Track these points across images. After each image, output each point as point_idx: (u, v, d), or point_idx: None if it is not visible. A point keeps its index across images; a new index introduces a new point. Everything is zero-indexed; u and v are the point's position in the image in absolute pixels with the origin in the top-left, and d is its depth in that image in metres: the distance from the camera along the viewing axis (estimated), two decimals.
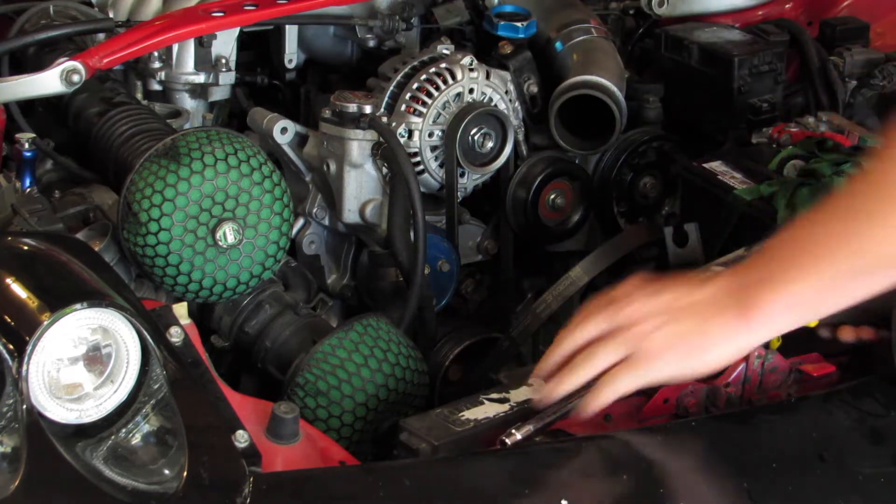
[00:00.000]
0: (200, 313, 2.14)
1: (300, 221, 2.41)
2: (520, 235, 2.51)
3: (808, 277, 1.57)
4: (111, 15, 2.61)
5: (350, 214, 2.33)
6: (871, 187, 1.59)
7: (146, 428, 1.65)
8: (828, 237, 1.57)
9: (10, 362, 1.56)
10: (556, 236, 2.55)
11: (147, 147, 2.04)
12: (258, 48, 2.66)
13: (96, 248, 1.96)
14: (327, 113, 2.32)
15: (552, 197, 2.50)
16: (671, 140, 2.62)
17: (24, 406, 1.56)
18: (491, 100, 2.38)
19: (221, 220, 1.98)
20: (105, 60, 2.24)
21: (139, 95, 2.51)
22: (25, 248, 1.75)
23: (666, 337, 1.62)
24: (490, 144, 2.36)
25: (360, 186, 2.32)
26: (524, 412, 1.80)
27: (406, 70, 2.36)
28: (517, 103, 2.44)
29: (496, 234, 2.52)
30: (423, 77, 2.33)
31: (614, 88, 2.43)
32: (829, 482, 1.70)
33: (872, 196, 1.57)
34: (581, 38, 2.53)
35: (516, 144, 2.43)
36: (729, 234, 2.34)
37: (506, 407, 1.82)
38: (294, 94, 2.68)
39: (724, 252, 2.36)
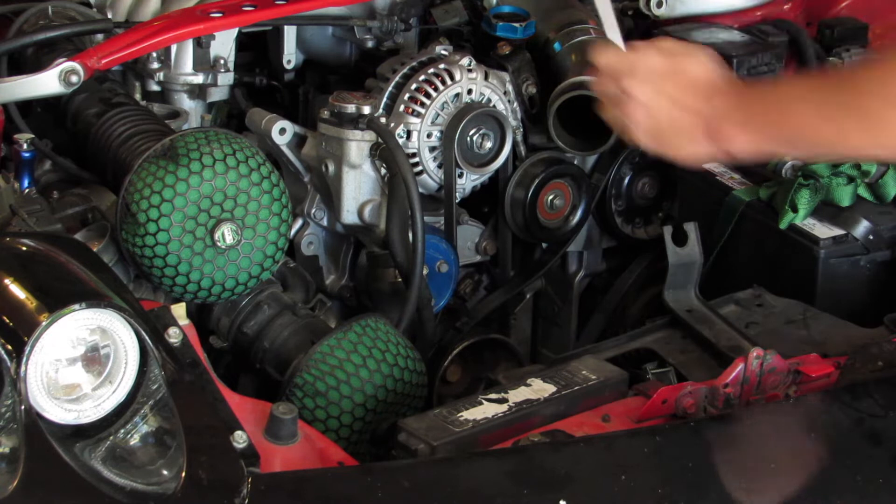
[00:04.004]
0: (199, 314, 2.14)
1: (299, 222, 2.41)
2: (518, 236, 2.51)
3: (770, 137, 1.81)
4: (110, 16, 2.61)
5: (348, 215, 2.33)
6: (846, 85, 1.77)
7: (145, 428, 1.65)
8: (797, 109, 1.78)
9: (9, 363, 1.56)
10: (555, 237, 2.54)
11: (145, 148, 2.04)
12: (257, 49, 2.66)
13: (95, 249, 1.96)
14: (326, 113, 2.32)
15: (551, 198, 2.49)
16: None
17: (23, 406, 1.56)
18: (489, 100, 2.38)
19: (220, 220, 1.98)
20: (104, 61, 2.24)
21: (138, 96, 2.51)
22: (24, 248, 1.75)
23: (645, 130, 1.88)
24: (489, 145, 2.36)
25: (359, 187, 2.32)
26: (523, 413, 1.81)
27: (404, 71, 2.36)
28: (516, 104, 2.44)
29: (495, 234, 2.52)
30: (422, 78, 2.33)
31: None
32: (828, 483, 1.70)
33: (840, 93, 1.75)
34: (580, 38, 2.53)
35: (515, 145, 2.43)
36: (728, 235, 2.35)
37: (504, 407, 1.82)
38: (292, 95, 2.68)
39: (723, 251, 2.37)
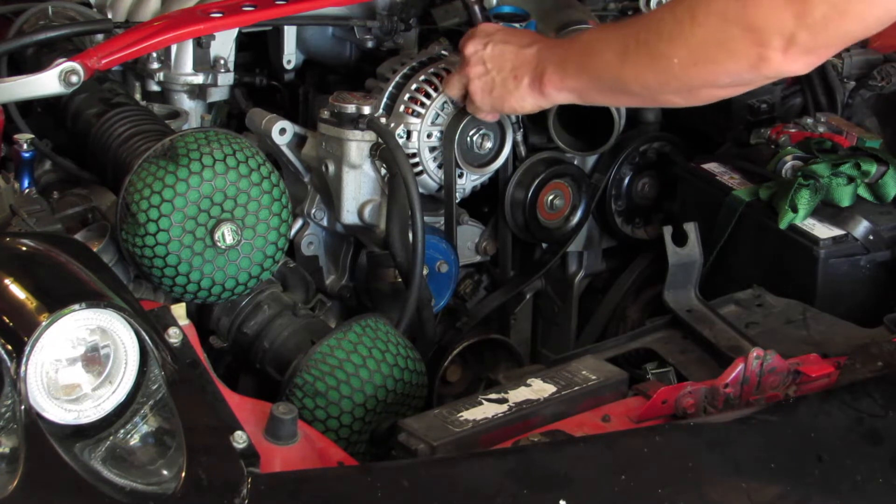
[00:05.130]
0: (199, 314, 2.14)
1: (299, 222, 2.41)
2: (518, 236, 2.51)
3: (582, 79, 2.04)
4: (110, 16, 2.61)
5: (348, 215, 2.33)
6: (637, 24, 1.95)
7: (144, 429, 1.65)
8: (600, 49, 1.99)
9: (9, 363, 1.56)
10: (555, 237, 2.54)
11: (145, 148, 2.04)
12: (257, 49, 2.66)
13: (95, 249, 1.96)
14: (326, 114, 2.32)
15: (551, 198, 2.49)
16: (670, 141, 2.63)
17: (23, 406, 1.56)
18: None
19: (220, 220, 1.98)
20: (104, 61, 2.24)
21: (138, 96, 2.51)
22: (24, 248, 1.75)
23: (482, 85, 2.18)
24: (488, 145, 2.36)
25: (359, 187, 2.32)
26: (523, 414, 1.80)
27: (404, 71, 2.36)
28: None
29: (495, 234, 2.52)
30: (422, 78, 2.33)
31: None
32: (828, 483, 1.70)
33: (635, 33, 1.93)
34: None
35: (515, 145, 2.43)
36: (728, 235, 2.35)
37: (504, 407, 1.82)
38: (293, 95, 2.68)
39: (723, 251, 2.37)
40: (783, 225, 2.27)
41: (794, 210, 2.27)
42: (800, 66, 1.77)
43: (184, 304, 1.85)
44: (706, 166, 2.45)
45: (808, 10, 1.70)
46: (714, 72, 1.84)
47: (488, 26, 2.23)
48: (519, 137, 2.45)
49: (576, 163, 2.55)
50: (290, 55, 2.58)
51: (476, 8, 2.37)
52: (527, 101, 2.13)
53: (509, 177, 2.46)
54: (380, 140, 2.26)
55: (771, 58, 1.75)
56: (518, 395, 1.85)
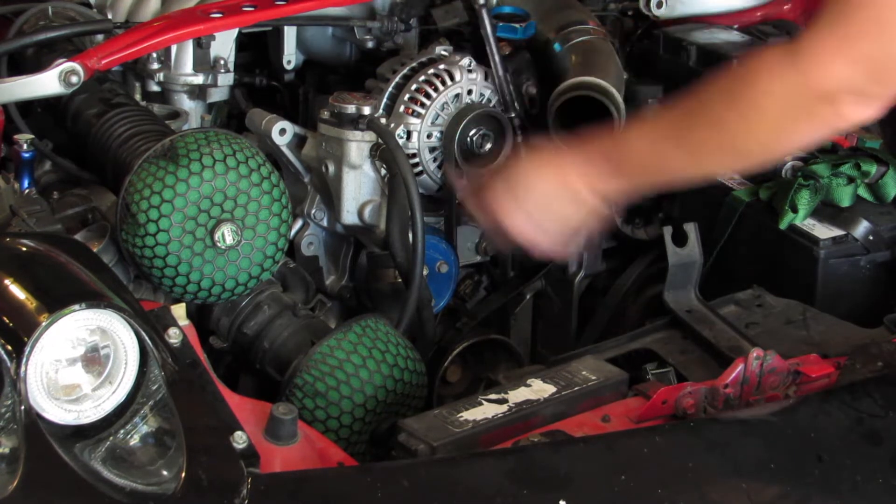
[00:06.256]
0: (199, 314, 2.14)
1: (299, 222, 2.41)
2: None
3: (625, 176, 1.93)
4: (110, 16, 2.61)
5: (348, 215, 2.33)
6: (713, 124, 1.86)
7: (144, 429, 1.65)
8: (673, 160, 1.91)
9: (9, 363, 1.56)
10: None
11: (145, 148, 2.04)
12: (257, 49, 2.66)
13: (95, 250, 1.96)
14: (326, 114, 2.32)
15: None
16: None
17: (23, 407, 1.56)
18: (489, 101, 2.38)
19: (220, 221, 1.98)
20: (104, 61, 2.24)
21: (138, 96, 2.51)
22: (24, 249, 1.75)
23: (534, 230, 1.98)
24: (489, 145, 2.36)
25: (359, 187, 2.32)
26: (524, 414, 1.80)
27: (404, 71, 2.36)
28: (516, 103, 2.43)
29: None
30: (422, 78, 2.33)
31: (613, 90, 2.43)
32: (828, 483, 1.70)
33: (710, 136, 1.87)
34: (580, 39, 2.53)
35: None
36: (728, 235, 2.35)
37: (504, 408, 1.82)
38: (293, 96, 2.68)
39: (723, 251, 2.37)
40: (783, 225, 2.27)
41: (794, 210, 2.27)
42: (872, 112, 1.80)
43: (184, 305, 1.85)
44: None
45: (871, 63, 1.74)
46: (793, 142, 1.89)
47: (507, 171, 2.04)
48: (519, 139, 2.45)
49: None
50: (290, 55, 2.58)
51: (484, 12, 2.37)
52: (584, 214, 2.00)
53: None
54: (380, 140, 2.26)
55: (846, 114, 1.78)
56: (518, 395, 1.85)
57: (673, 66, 2.66)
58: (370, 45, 2.57)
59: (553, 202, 1.96)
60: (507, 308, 2.63)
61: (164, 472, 1.60)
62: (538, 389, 1.87)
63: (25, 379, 1.56)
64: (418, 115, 2.31)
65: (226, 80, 2.48)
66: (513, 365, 2.37)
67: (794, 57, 1.76)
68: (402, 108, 2.32)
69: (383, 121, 2.28)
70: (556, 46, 2.53)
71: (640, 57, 2.83)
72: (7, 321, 1.60)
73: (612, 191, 1.94)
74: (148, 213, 1.94)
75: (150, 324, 1.68)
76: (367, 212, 2.33)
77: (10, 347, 1.57)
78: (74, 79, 2.19)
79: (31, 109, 2.48)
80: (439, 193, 2.39)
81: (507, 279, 2.56)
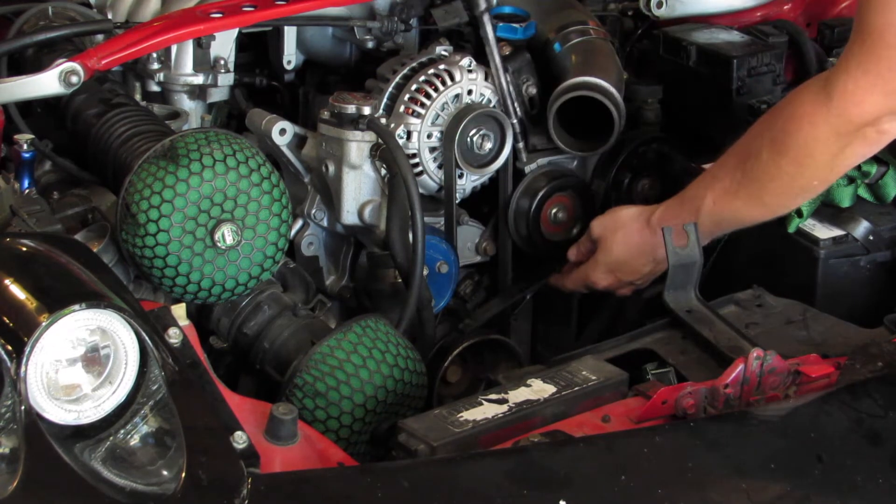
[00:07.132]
0: (199, 314, 2.14)
1: (299, 222, 2.41)
2: (522, 249, 2.51)
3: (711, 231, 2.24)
4: (110, 16, 2.61)
5: (349, 215, 2.33)
6: (763, 180, 2.11)
7: (144, 429, 1.65)
8: (740, 210, 2.17)
9: (9, 363, 1.56)
10: (558, 250, 2.52)
11: (146, 148, 2.04)
12: (257, 49, 2.66)
13: (95, 250, 1.96)
14: (326, 114, 2.32)
15: (554, 211, 2.49)
16: (670, 141, 2.62)
17: (23, 407, 1.56)
18: (489, 101, 2.38)
19: (220, 221, 1.98)
20: (104, 62, 2.24)
21: (138, 97, 2.51)
22: (24, 249, 1.75)
23: (619, 285, 2.39)
24: (489, 146, 2.36)
25: (359, 187, 2.32)
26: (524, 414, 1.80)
27: (405, 71, 2.36)
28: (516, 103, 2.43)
29: (495, 235, 2.52)
30: (422, 78, 2.33)
31: (613, 90, 2.43)
32: (828, 483, 1.70)
33: (732, 172, 2.14)
34: (580, 39, 2.53)
35: (516, 153, 2.43)
36: (728, 235, 2.35)
37: (504, 408, 1.82)
38: (293, 96, 2.68)
39: (723, 252, 2.36)
40: (791, 229, 2.27)
41: (800, 215, 2.27)
42: None
43: (184, 305, 1.85)
44: (706, 166, 2.45)
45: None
46: (847, 167, 2.10)
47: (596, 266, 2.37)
48: (520, 145, 2.44)
49: (576, 164, 2.55)
50: (291, 55, 2.58)
51: (486, 18, 2.37)
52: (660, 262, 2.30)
53: (512, 191, 2.46)
54: (380, 140, 2.26)
55: (889, 130, 1.97)
56: (518, 395, 1.85)
57: (673, 66, 2.66)
58: (370, 45, 2.57)
59: (631, 261, 2.31)
60: (507, 308, 2.62)
61: (164, 472, 1.60)
62: (538, 389, 1.87)
63: (25, 379, 1.56)
64: (418, 116, 2.31)
65: (226, 80, 2.48)
66: (513, 365, 2.37)
67: (829, 101, 1.95)
68: (402, 109, 2.32)
69: (383, 121, 2.28)
70: (556, 46, 2.53)
71: (640, 57, 2.84)
72: (7, 321, 1.60)
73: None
74: (148, 213, 1.94)
75: (150, 324, 1.68)
76: (367, 212, 2.33)
77: (10, 347, 1.57)
78: (74, 79, 2.19)
79: (31, 109, 2.49)
80: (439, 193, 2.39)
81: (507, 285, 2.56)
